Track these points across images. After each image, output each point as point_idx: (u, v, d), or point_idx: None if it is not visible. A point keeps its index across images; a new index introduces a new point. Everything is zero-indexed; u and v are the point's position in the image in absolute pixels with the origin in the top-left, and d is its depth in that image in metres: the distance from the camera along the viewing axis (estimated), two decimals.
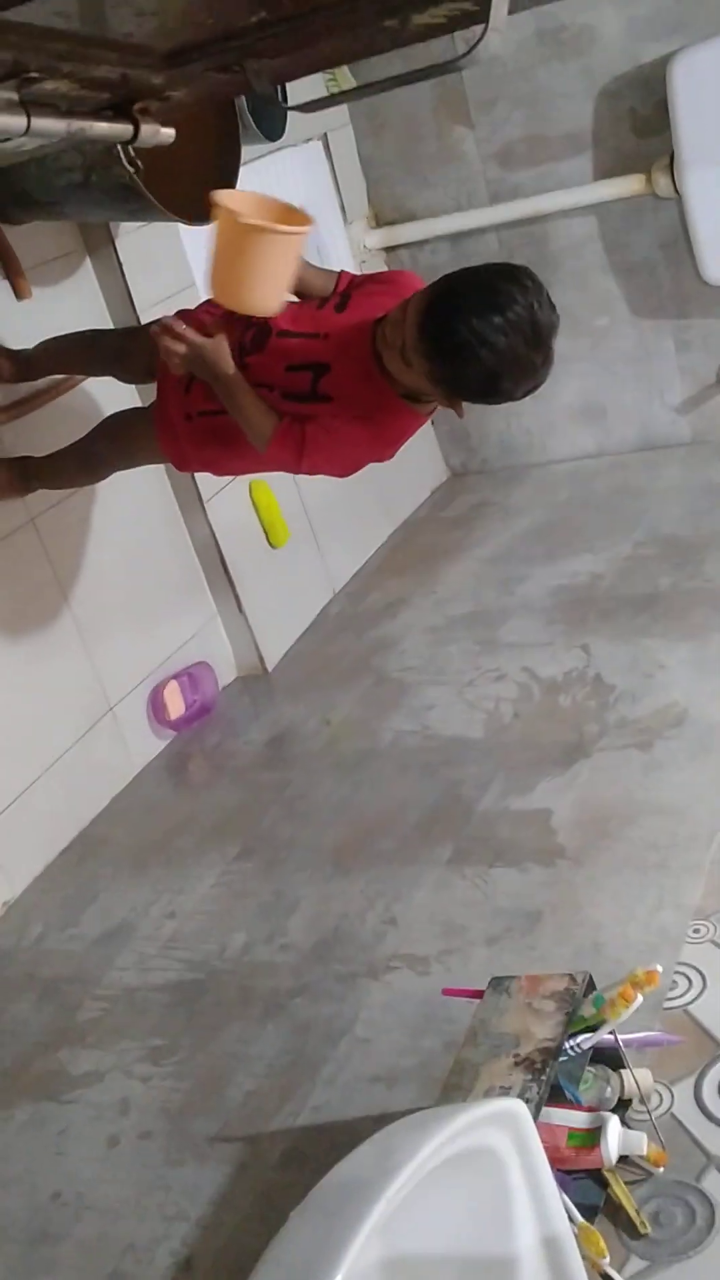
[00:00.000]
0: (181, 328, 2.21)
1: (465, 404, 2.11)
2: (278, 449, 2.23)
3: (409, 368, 2.07)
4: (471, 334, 1.92)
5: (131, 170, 2.47)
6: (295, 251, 2.13)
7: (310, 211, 2.98)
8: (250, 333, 2.29)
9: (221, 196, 2.09)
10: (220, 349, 2.20)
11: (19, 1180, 2.04)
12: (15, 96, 1.03)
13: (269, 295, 2.16)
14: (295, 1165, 1.92)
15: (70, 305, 3.02)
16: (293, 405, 2.21)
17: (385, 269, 4.28)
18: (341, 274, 2.36)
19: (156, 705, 3.23)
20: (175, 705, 3.26)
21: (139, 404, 2.81)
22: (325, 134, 4.02)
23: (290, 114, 3.38)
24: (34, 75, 1.03)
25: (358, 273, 2.44)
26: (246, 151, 2.85)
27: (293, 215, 2.16)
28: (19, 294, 2.86)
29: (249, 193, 2.22)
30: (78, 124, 1.15)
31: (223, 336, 2.20)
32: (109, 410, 2.78)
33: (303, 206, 2.19)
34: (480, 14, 1.08)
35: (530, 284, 1.97)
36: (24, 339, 2.80)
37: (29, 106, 1.06)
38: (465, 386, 2.03)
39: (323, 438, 2.21)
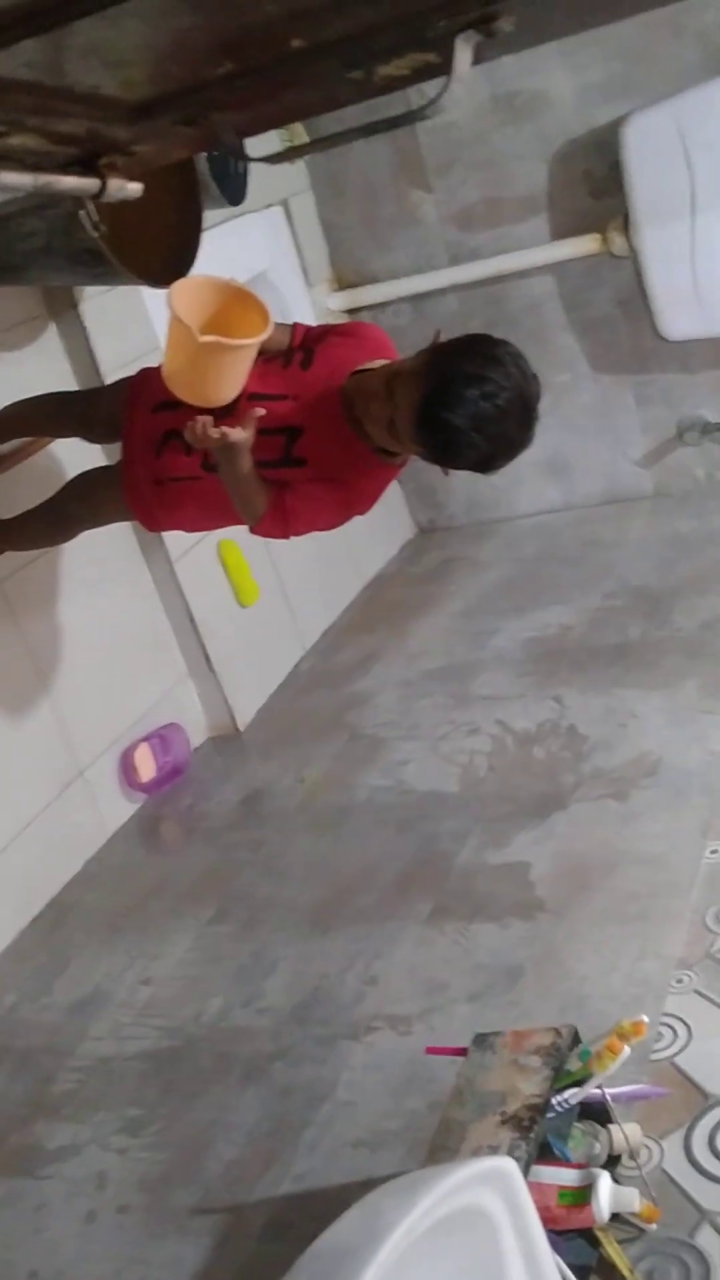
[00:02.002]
0: (229, 430, 2.09)
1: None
2: (269, 523, 2.25)
3: (397, 442, 2.12)
4: (469, 428, 1.97)
5: (95, 234, 2.48)
6: (251, 355, 2.12)
7: (273, 275, 3.01)
8: None
9: (176, 298, 2.06)
10: (248, 440, 2.13)
11: None
12: None
13: (225, 393, 2.16)
14: (279, 1236, 1.87)
15: (35, 369, 3.02)
16: (266, 473, 2.21)
17: None
18: (295, 326, 2.36)
19: (127, 768, 3.19)
20: (146, 768, 3.22)
21: (106, 463, 2.81)
22: (286, 199, 4.08)
23: (251, 180, 3.42)
24: (0, 129, 1.04)
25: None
26: (209, 216, 2.88)
27: (248, 301, 2.15)
28: None
29: (205, 279, 2.19)
30: (44, 178, 1.16)
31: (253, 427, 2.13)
32: (76, 471, 2.78)
33: (257, 296, 2.16)
34: (443, 66, 1.10)
35: (514, 362, 2.03)
36: None
37: None
38: (459, 467, 2.09)
39: (302, 504, 2.22)
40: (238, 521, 2.31)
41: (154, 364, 2.50)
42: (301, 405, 2.20)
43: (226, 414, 2.19)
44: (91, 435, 2.70)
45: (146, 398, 2.37)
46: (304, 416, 2.19)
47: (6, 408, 2.75)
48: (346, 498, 2.23)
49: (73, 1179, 2.09)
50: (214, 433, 2.07)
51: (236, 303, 2.15)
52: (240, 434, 2.10)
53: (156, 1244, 1.92)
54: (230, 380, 2.15)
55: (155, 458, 2.36)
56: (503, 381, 1.99)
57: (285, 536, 2.28)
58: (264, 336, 2.07)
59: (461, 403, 1.96)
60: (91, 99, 1.08)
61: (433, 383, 2.00)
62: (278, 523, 2.24)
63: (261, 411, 2.13)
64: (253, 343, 2.07)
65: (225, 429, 2.08)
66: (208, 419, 2.09)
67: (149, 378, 2.42)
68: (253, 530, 2.28)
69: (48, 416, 2.75)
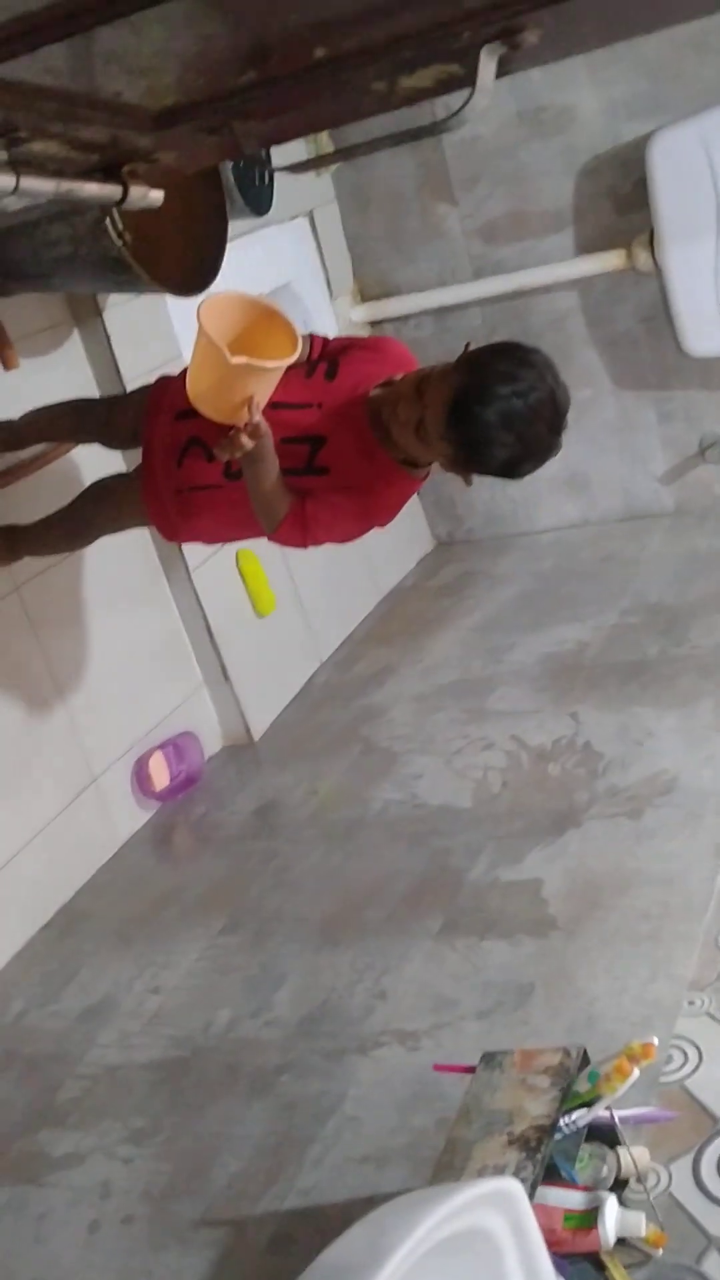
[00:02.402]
0: (262, 421, 2.09)
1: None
2: (288, 530, 2.24)
3: (424, 444, 2.11)
4: (500, 424, 1.98)
5: (120, 243, 2.49)
6: (277, 377, 2.10)
7: (297, 286, 2.98)
8: None
9: (206, 315, 2.05)
10: (270, 438, 2.12)
11: None
12: (5, 155, 1.04)
13: (250, 411, 2.13)
14: (282, 1250, 1.85)
15: (58, 376, 3.03)
16: (290, 480, 2.20)
17: None
18: (313, 337, 2.36)
19: (141, 776, 3.19)
20: (160, 776, 3.22)
21: (124, 469, 2.81)
22: (311, 211, 4.09)
23: (276, 191, 3.43)
24: (23, 135, 1.04)
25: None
26: (234, 227, 2.88)
27: (275, 320, 2.13)
28: (6, 365, 2.87)
29: (235, 296, 2.17)
30: (67, 184, 1.16)
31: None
32: (95, 477, 2.78)
33: (285, 315, 2.13)
34: (467, 77, 1.10)
35: (546, 367, 2.04)
36: (11, 410, 2.80)
37: (18, 166, 1.07)
38: (487, 469, 2.08)
39: (324, 513, 2.21)
40: (257, 533, 2.30)
41: (174, 372, 2.50)
42: (326, 414, 2.20)
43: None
44: (112, 442, 2.71)
45: (168, 405, 2.37)
46: (328, 425, 2.19)
47: (28, 414, 2.76)
48: (368, 508, 2.23)
49: (77, 1188, 2.08)
50: (246, 441, 2.07)
51: (264, 320, 2.14)
52: (263, 432, 2.08)
53: (159, 1255, 1.91)
54: (254, 400, 2.14)
55: (177, 466, 2.36)
56: (535, 382, 2.01)
57: (304, 545, 2.27)
58: (294, 358, 2.07)
59: (494, 399, 1.97)
60: (114, 106, 1.09)
61: (466, 379, 2.02)
62: (297, 530, 2.23)
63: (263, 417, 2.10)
64: (283, 364, 2.07)
65: (253, 426, 2.07)
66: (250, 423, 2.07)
67: (169, 385, 2.42)
68: (271, 538, 2.27)
69: (68, 423, 2.76)
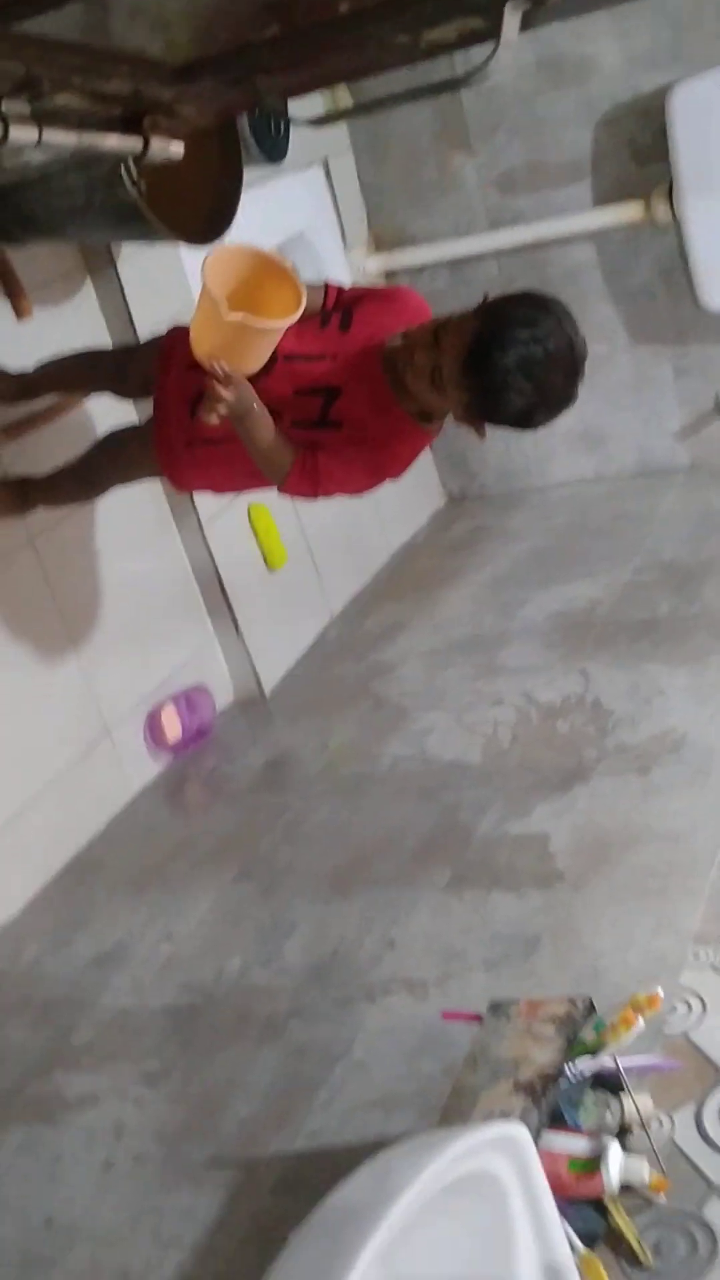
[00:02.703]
0: (233, 373, 2.10)
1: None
2: (296, 481, 2.23)
3: (439, 393, 2.09)
4: (518, 370, 1.96)
5: (135, 192, 2.47)
6: (275, 336, 2.10)
7: (311, 235, 2.94)
8: None
9: (210, 268, 2.03)
10: (248, 389, 2.14)
11: (11, 1205, 2.01)
12: (27, 109, 1.04)
13: (247, 366, 2.14)
14: (291, 1191, 1.90)
15: (71, 325, 3.02)
16: (301, 433, 2.20)
17: None
18: (328, 286, 2.34)
19: (153, 728, 3.22)
20: (172, 729, 3.24)
21: (136, 420, 2.81)
22: (326, 159, 4.05)
23: (291, 139, 3.40)
24: (45, 89, 1.03)
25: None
26: (249, 175, 2.86)
27: (282, 273, 2.12)
28: (20, 314, 2.86)
29: (241, 248, 2.15)
30: (88, 137, 1.15)
31: (243, 378, 2.13)
32: (107, 428, 2.78)
33: (292, 268, 2.13)
34: (490, 31, 1.09)
35: (565, 316, 2.03)
36: (24, 359, 2.80)
37: (40, 119, 1.06)
38: (502, 417, 2.06)
39: (336, 466, 2.21)
40: (269, 484, 2.31)
41: (186, 321, 2.50)
42: (340, 366, 2.19)
43: (264, 373, 2.19)
44: (124, 392, 2.71)
45: (180, 356, 2.36)
46: (343, 377, 2.19)
47: (41, 364, 2.76)
48: (380, 462, 2.22)
49: (90, 1128, 2.13)
50: (224, 393, 2.06)
51: (271, 273, 2.13)
52: (231, 393, 2.09)
53: (171, 1195, 1.95)
54: (254, 357, 2.13)
55: (189, 417, 2.36)
56: (553, 329, 1.99)
57: (315, 497, 2.27)
58: (293, 319, 2.06)
59: (512, 344, 1.96)
60: (136, 60, 1.08)
61: (485, 324, 2.00)
62: (307, 482, 2.23)
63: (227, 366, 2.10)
64: (275, 325, 2.05)
65: (221, 391, 2.07)
66: (219, 367, 2.07)
67: (181, 335, 2.41)
68: (281, 490, 2.27)
69: (81, 373, 2.76)
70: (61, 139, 1.11)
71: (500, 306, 2.04)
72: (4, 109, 1.01)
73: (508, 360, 1.96)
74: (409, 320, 2.23)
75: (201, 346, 2.12)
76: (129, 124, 1.20)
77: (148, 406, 2.52)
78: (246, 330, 2.03)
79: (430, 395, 2.12)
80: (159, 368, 2.42)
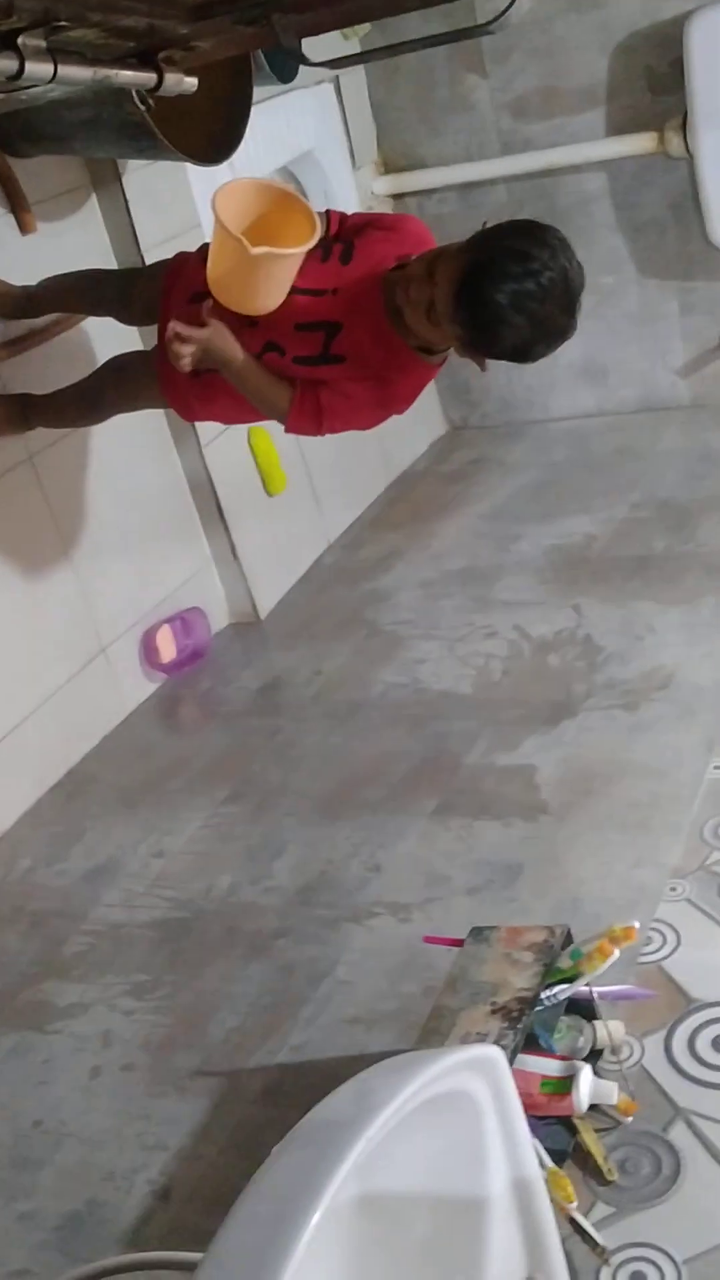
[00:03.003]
0: (184, 329, 2.14)
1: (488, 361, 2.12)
2: (296, 419, 2.24)
3: (435, 327, 2.08)
4: (510, 304, 1.93)
5: (143, 109, 2.44)
6: (298, 263, 2.10)
7: (319, 155, 2.88)
8: None
9: (221, 204, 2.01)
10: (224, 336, 2.16)
11: (2, 1107, 2.09)
12: (44, 44, 1.03)
13: (272, 302, 2.15)
14: (273, 1101, 1.97)
15: (75, 241, 3.00)
16: (304, 369, 2.20)
17: None
18: (330, 214, 2.31)
19: (149, 648, 3.25)
20: (167, 649, 3.28)
21: (141, 346, 2.80)
22: (337, 77, 3.97)
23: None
24: (63, 24, 1.03)
25: None
26: (258, 92, 2.82)
27: (293, 204, 2.12)
28: (24, 228, 2.84)
29: (250, 182, 2.14)
30: (103, 72, 1.15)
31: (218, 321, 2.15)
32: (110, 350, 2.77)
33: (302, 198, 2.13)
34: None
35: (561, 246, 1.99)
36: (28, 274, 2.78)
37: (56, 54, 1.06)
38: (498, 351, 2.04)
39: (339, 403, 2.21)
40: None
41: (191, 247, 2.48)
42: (342, 300, 2.18)
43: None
44: (126, 317, 2.69)
45: (184, 285, 2.34)
46: (344, 312, 2.17)
47: (43, 281, 2.74)
48: (383, 396, 2.22)
49: (79, 1035, 2.20)
50: (183, 349, 2.10)
51: (281, 205, 2.11)
52: (205, 332, 2.11)
53: (157, 1102, 2.02)
54: (278, 290, 2.13)
55: None
56: (548, 260, 1.96)
57: (320, 433, 2.28)
58: (312, 243, 2.05)
59: (504, 277, 1.93)
60: None
61: (476, 257, 1.98)
62: (312, 419, 2.23)
63: (210, 303, 2.12)
64: (300, 251, 2.05)
65: (184, 330, 2.10)
66: (175, 328, 2.11)
67: (186, 263, 2.40)
68: (287, 428, 2.28)
69: (83, 294, 2.74)
70: (77, 74, 1.10)
71: (492, 238, 2.00)
72: (21, 43, 1.01)
73: (500, 294, 1.93)
74: (411, 249, 2.21)
75: (225, 291, 2.12)
76: (143, 59, 1.20)
77: (151, 334, 2.51)
78: (269, 263, 2.03)
79: (427, 329, 2.10)
80: (162, 296, 2.40)
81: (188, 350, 2.15)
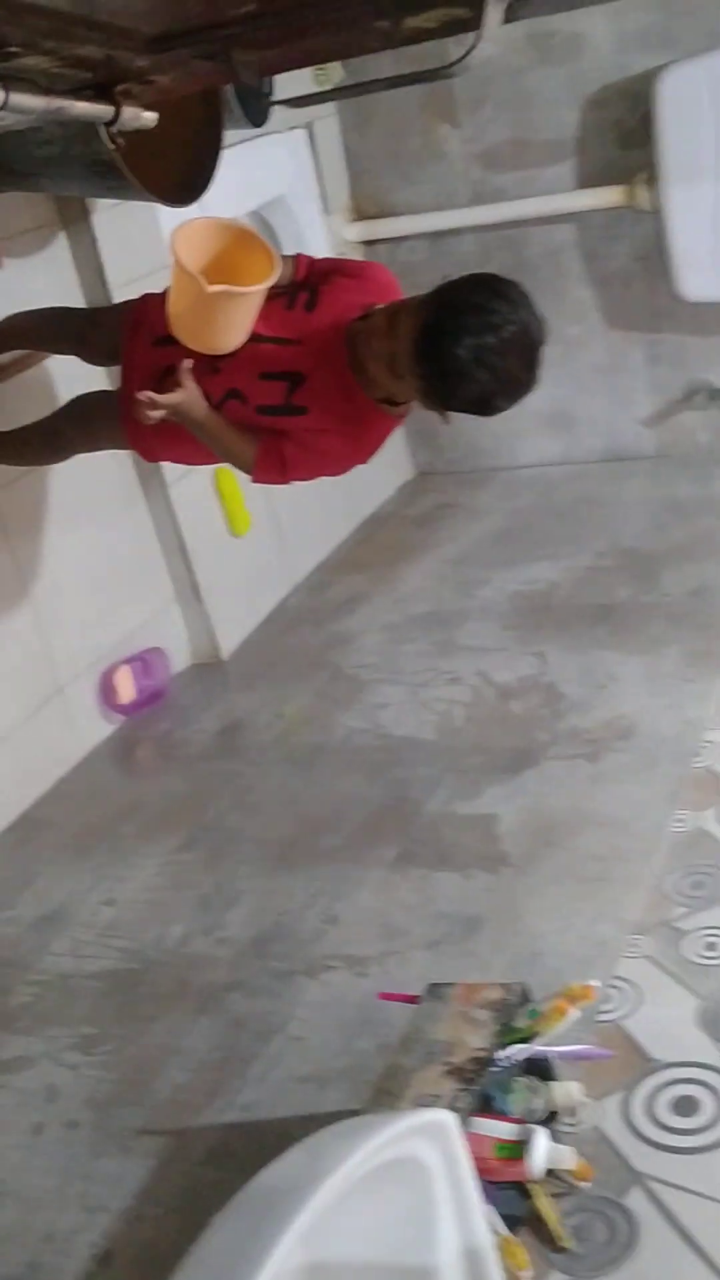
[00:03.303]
0: (151, 396, 2.14)
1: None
2: (262, 471, 2.23)
3: (398, 379, 2.07)
4: (470, 359, 1.92)
5: (112, 147, 2.43)
6: (259, 300, 2.09)
7: (291, 200, 2.89)
8: None
9: (180, 243, 2.01)
10: (194, 399, 2.16)
11: None
12: None
13: (233, 341, 2.14)
14: (221, 1162, 1.91)
15: (42, 279, 2.97)
16: (267, 419, 2.18)
17: None
18: (299, 258, 2.30)
19: (107, 689, 3.20)
20: (126, 690, 3.23)
21: (106, 386, 2.77)
22: (310, 123, 3.99)
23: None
24: (14, 50, 1.01)
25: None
26: (231, 135, 2.82)
27: (253, 243, 2.11)
28: None
29: (208, 221, 2.13)
30: (57, 102, 1.12)
31: (193, 383, 2.15)
32: (74, 390, 2.74)
33: (261, 237, 2.13)
34: (473, 21, 1.07)
35: (521, 300, 1.98)
36: None
37: (7, 82, 1.04)
38: (458, 404, 2.02)
39: (302, 455, 2.19)
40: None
41: (159, 287, 2.46)
42: (305, 350, 2.16)
43: (229, 355, 2.17)
44: (89, 357, 2.66)
45: (148, 329, 2.32)
46: (307, 362, 2.16)
47: (6, 318, 2.71)
48: (347, 449, 2.20)
49: (23, 1090, 2.13)
50: (153, 414, 2.10)
51: (241, 244, 2.10)
52: (178, 396, 2.11)
53: (100, 1161, 1.96)
54: (238, 328, 2.11)
55: (155, 390, 2.33)
56: (508, 314, 1.94)
57: (285, 483, 2.26)
58: (271, 282, 2.03)
59: (464, 331, 1.91)
60: (109, 26, 1.05)
61: (435, 311, 1.96)
62: (277, 471, 2.21)
63: (189, 363, 2.12)
64: (259, 289, 2.03)
65: (157, 397, 2.10)
66: (146, 396, 2.11)
67: (150, 306, 2.37)
68: (254, 479, 2.26)
69: (46, 332, 2.71)
70: (29, 103, 1.08)
71: (452, 292, 1.99)
72: None
73: (460, 349, 1.92)
74: (376, 299, 2.19)
75: (184, 329, 2.11)
76: (101, 90, 1.18)
77: (116, 373, 2.49)
78: (226, 300, 2.01)
79: (390, 381, 2.09)
80: (126, 338, 2.38)
81: (157, 415, 2.14)
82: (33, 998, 2.34)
